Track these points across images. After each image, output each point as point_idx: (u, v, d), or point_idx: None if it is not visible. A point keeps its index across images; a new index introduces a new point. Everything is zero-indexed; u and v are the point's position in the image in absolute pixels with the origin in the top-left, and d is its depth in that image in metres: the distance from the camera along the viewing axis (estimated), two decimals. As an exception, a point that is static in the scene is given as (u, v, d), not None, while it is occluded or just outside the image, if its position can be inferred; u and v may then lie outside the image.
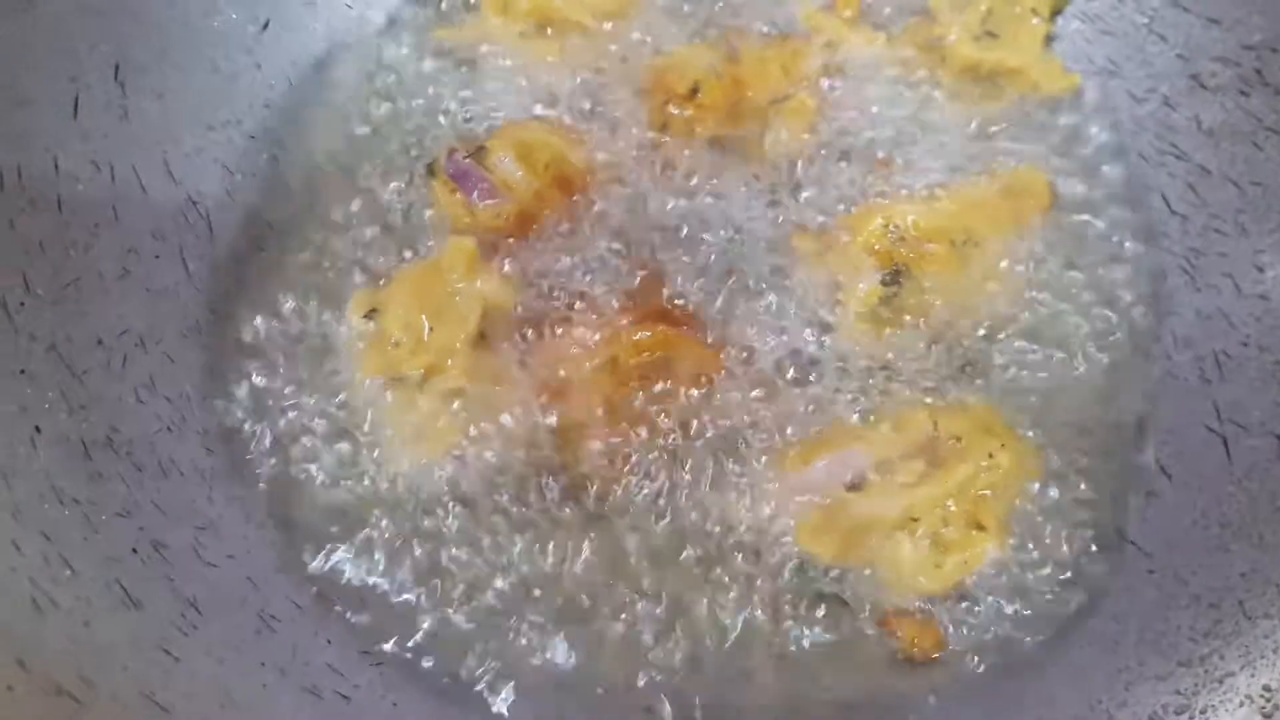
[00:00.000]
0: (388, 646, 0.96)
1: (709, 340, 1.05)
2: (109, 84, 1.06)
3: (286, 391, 1.05)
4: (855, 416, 1.02)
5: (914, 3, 1.23)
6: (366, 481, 1.01)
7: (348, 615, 0.97)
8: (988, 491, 0.97)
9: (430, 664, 0.96)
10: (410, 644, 0.96)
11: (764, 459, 1.00)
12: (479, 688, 0.95)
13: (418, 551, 0.99)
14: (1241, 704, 0.84)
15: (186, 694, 0.83)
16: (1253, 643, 0.86)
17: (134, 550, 0.90)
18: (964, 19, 1.18)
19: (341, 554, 0.99)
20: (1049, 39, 1.21)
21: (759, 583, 0.97)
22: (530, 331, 1.05)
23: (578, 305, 1.06)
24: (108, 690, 0.79)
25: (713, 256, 1.09)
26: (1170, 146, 1.13)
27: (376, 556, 0.99)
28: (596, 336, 1.04)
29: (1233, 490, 0.96)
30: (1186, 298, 1.08)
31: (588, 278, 1.08)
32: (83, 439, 0.93)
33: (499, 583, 0.97)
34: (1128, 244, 1.12)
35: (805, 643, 0.96)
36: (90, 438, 0.93)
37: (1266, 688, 0.84)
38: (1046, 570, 0.98)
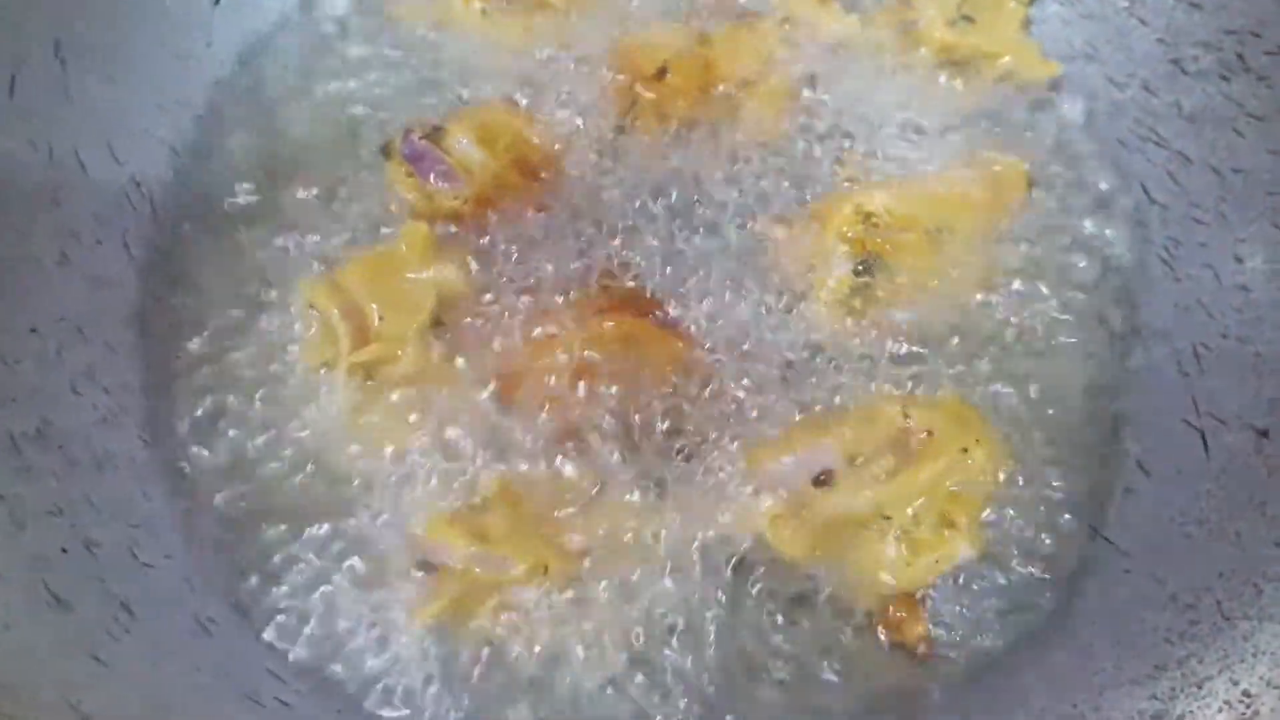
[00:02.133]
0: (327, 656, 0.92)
1: (674, 329, 1.01)
2: (49, 61, 1.02)
3: (231, 382, 1.01)
4: (825, 409, 0.98)
5: (887, -15, 1.19)
6: (311, 476, 0.97)
7: (288, 620, 0.93)
8: (960, 488, 0.93)
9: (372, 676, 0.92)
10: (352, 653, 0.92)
11: (731, 453, 0.96)
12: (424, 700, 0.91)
13: (369, 551, 0.94)
14: (1220, 709, 0.81)
15: (116, 700, 0.79)
16: (1231, 645, 0.84)
17: (64, 549, 0.86)
18: (940, 2, 1.15)
19: (283, 554, 0.95)
20: (1027, 22, 1.18)
21: (730, 583, 0.93)
22: (487, 320, 1.00)
23: (538, 293, 1.02)
24: (28, 696, 0.75)
25: (680, 243, 1.05)
26: (1150, 133, 1.10)
27: (319, 558, 0.94)
28: (557, 325, 1.00)
29: (1210, 487, 0.94)
30: (1165, 288, 1.06)
31: (549, 264, 1.04)
32: (11, 432, 0.88)
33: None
34: (1106, 233, 1.09)
35: (779, 641, 0.93)
36: (20, 430, 0.89)
37: (1246, 693, 0.81)
38: (1020, 569, 0.95)
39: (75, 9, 1.04)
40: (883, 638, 0.93)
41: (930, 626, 0.93)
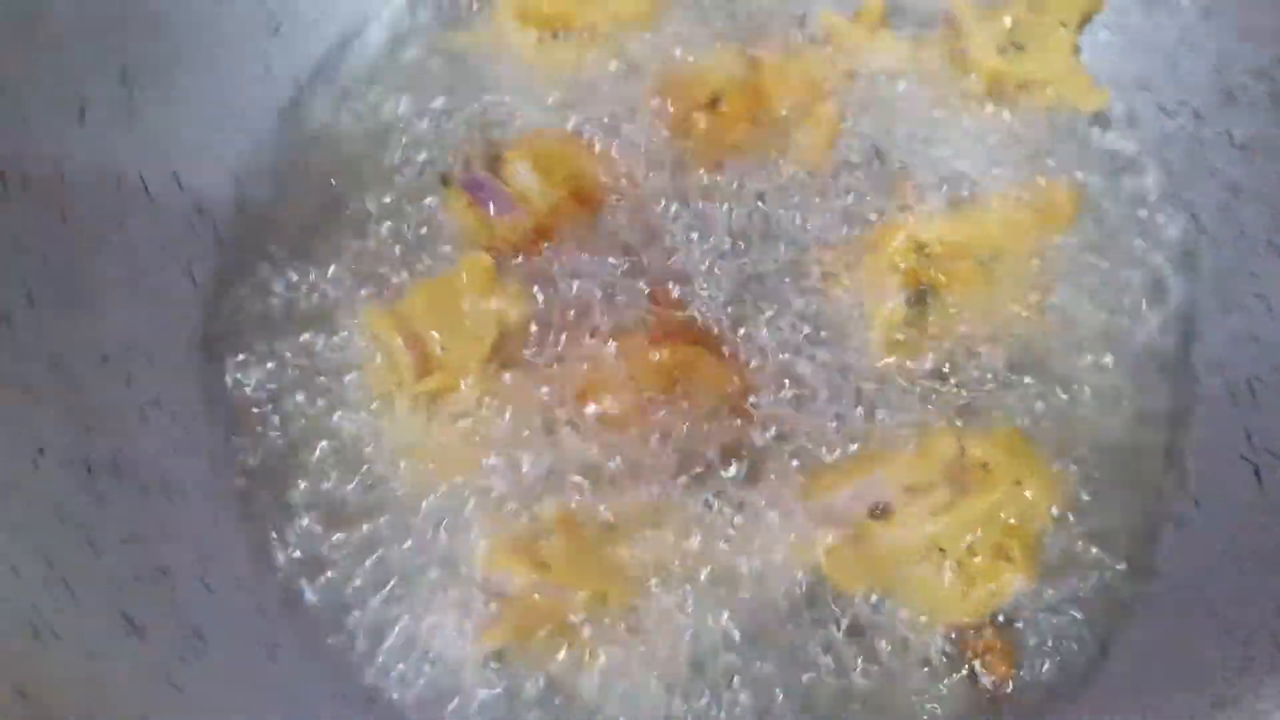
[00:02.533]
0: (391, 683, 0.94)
1: (729, 359, 1.02)
2: (116, 89, 1.03)
3: (294, 410, 1.02)
4: (880, 441, 0.99)
5: (939, 12, 1.19)
6: (374, 504, 0.98)
7: (353, 646, 0.95)
8: (1014, 520, 0.94)
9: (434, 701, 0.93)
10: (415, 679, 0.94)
11: (787, 484, 0.98)
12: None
13: (431, 578, 0.96)
14: (1280, 748, 0.82)
15: (192, 725, 0.81)
16: (1288, 680, 0.84)
17: (137, 577, 0.88)
18: (989, 30, 1.15)
19: (346, 581, 0.97)
20: (1077, 50, 1.18)
21: (786, 614, 0.94)
22: (546, 349, 1.02)
23: (596, 321, 1.03)
24: (111, 721, 0.77)
25: (733, 272, 1.06)
26: (1202, 162, 1.11)
27: (382, 585, 0.96)
28: (614, 354, 1.01)
29: (1265, 520, 0.94)
30: (1217, 319, 1.06)
31: (606, 293, 1.05)
32: (86, 459, 0.90)
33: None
34: (1156, 262, 1.09)
35: (835, 672, 0.93)
36: (94, 458, 0.91)
37: (1305, 731, 0.81)
38: (1073, 602, 0.96)
39: (141, 38, 1.05)
40: (963, 670, 0.94)
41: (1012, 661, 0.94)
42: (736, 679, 0.93)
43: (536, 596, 0.91)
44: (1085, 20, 1.19)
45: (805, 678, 0.93)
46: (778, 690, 0.93)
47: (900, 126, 1.13)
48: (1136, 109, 1.16)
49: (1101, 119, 1.16)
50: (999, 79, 1.15)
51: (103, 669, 0.81)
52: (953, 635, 0.94)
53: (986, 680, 0.93)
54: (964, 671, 0.93)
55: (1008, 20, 1.16)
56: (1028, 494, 0.95)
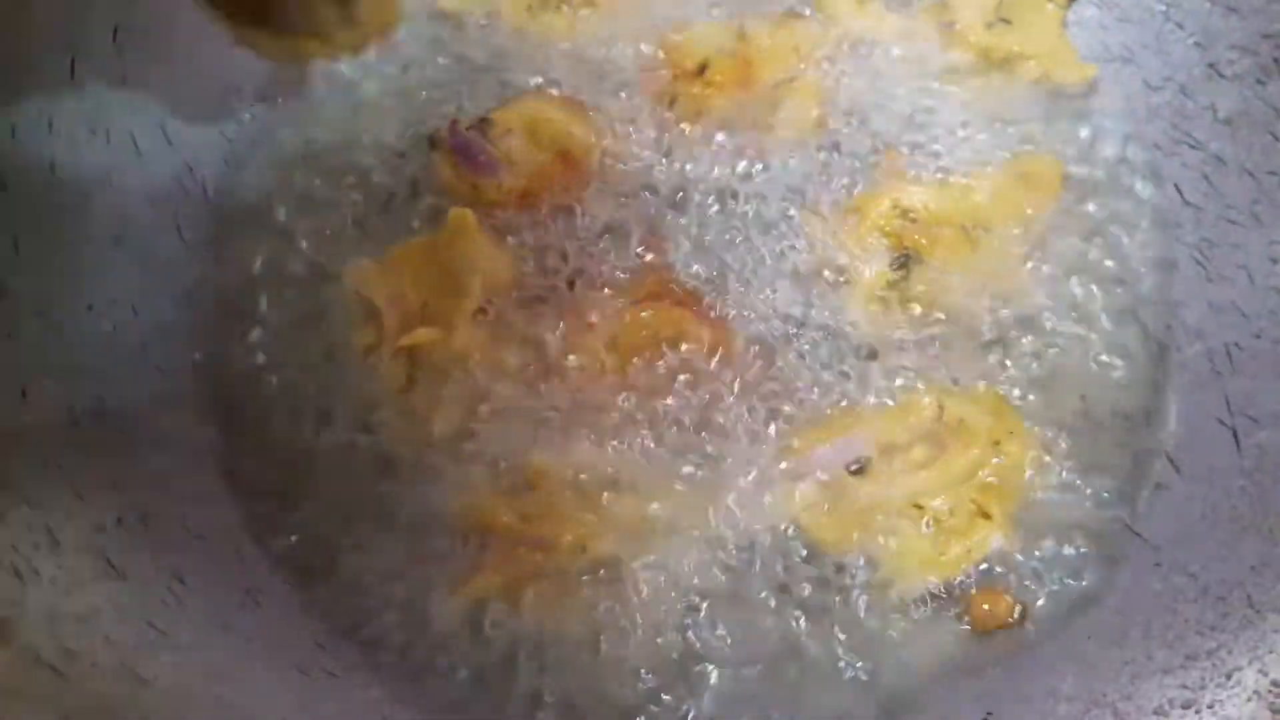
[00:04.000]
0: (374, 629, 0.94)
1: (712, 318, 1.02)
2: (108, 46, 1.04)
3: (282, 364, 1.03)
4: (860, 400, 1.00)
5: (927, -15, 1.21)
6: (358, 456, 0.99)
7: (335, 594, 0.95)
8: (993, 479, 0.95)
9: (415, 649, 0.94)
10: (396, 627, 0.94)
11: (768, 440, 0.98)
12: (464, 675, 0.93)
13: (413, 529, 0.96)
14: (1249, 699, 0.82)
15: (170, 667, 0.81)
16: (1261, 637, 0.84)
17: (119, 521, 0.88)
18: (977, 4, 1.16)
19: (329, 530, 0.97)
20: (1064, 25, 1.19)
21: (765, 567, 0.95)
22: (531, 306, 1.03)
23: (581, 281, 1.04)
24: (88, 661, 0.77)
25: (719, 236, 1.07)
26: (1185, 135, 1.11)
27: (364, 535, 0.97)
28: (599, 313, 1.02)
29: (1243, 483, 0.95)
30: (1199, 289, 1.07)
31: (592, 254, 1.06)
32: (71, 407, 0.91)
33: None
34: (1140, 233, 1.10)
35: (814, 624, 0.94)
36: (79, 406, 0.91)
37: (1276, 682, 0.82)
38: (1052, 561, 0.96)
39: (134, -3, 1.06)
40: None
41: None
42: (719, 630, 0.93)
43: (517, 547, 0.92)
44: (1073, -4, 1.20)
45: (788, 630, 0.93)
46: (760, 642, 0.93)
47: (887, 97, 1.14)
48: (1122, 82, 1.16)
49: (1087, 92, 1.17)
50: (986, 53, 1.16)
51: (83, 611, 0.81)
52: (929, 589, 0.94)
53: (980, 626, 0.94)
54: (945, 625, 0.94)
55: (997, -7, 1.17)
56: (1006, 454, 0.95)
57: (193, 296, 1.06)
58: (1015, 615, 0.93)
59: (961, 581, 0.95)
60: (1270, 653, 0.83)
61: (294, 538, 0.97)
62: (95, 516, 0.87)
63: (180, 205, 1.08)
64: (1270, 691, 0.82)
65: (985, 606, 0.93)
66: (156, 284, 1.04)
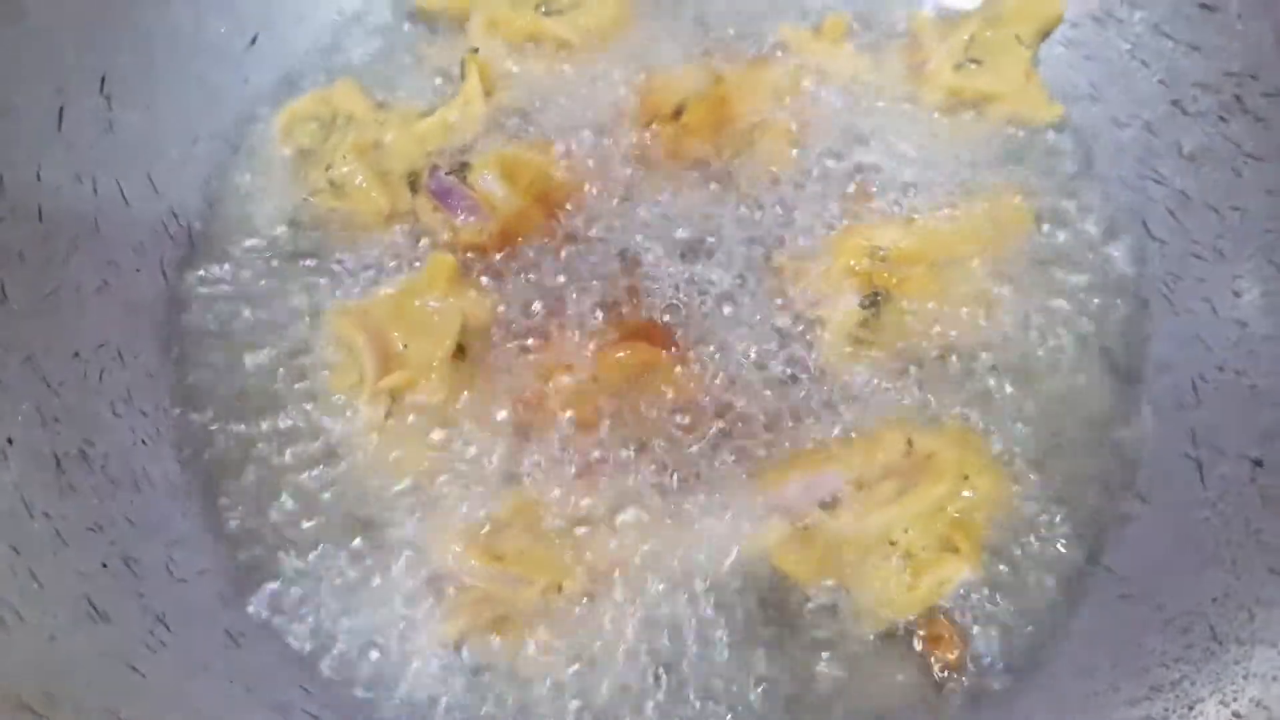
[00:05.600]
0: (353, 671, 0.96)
1: (686, 359, 1.04)
2: (94, 96, 1.07)
3: (262, 407, 1.05)
4: (832, 436, 1.02)
5: (899, 27, 1.24)
6: (337, 497, 1.01)
7: (315, 635, 0.97)
8: (962, 513, 0.96)
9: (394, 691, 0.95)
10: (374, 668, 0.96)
11: (741, 477, 1.00)
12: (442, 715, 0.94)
13: (390, 569, 0.98)
14: (1211, 730, 0.84)
15: (152, 710, 0.83)
16: (1223, 669, 0.86)
17: (104, 565, 0.90)
18: (947, 45, 1.19)
19: (310, 571, 0.99)
20: (1034, 64, 1.21)
21: (739, 603, 0.96)
22: (508, 348, 1.05)
23: (558, 323, 1.06)
24: (71, 705, 0.78)
25: (694, 276, 1.09)
26: (1151, 172, 1.14)
27: (343, 576, 0.98)
28: (575, 355, 1.04)
29: (1207, 515, 0.97)
30: (1165, 322, 1.09)
31: (569, 295, 1.08)
32: (55, 452, 0.93)
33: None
34: (1108, 269, 1.12)
35: (786, 660, 0.95)
36: (63, 450, 0.93)
37: (1236, 714, 0.83)
38: (1021, 593, 0.98)
39: (121, 47, 1.09)
40: (919, 650, 0.95)
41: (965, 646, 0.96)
42: (689, 668, 0.94)
43: (493, 587, 0.93)
44: (1043, 36, 1.22)
45: (758, 667, 0.95)
46: (730, 679, 0.95)
47: (859, 137, 1.17)
48: (1090, 120, 1.19)
49: (1056, 130, 1.19)
50: (956, 92, 1.18)
51: (66, 655, 0.83)
52: (902, 624, 0.95)
53: (937, 666, 0.95)
54: (915, 659, 0.95)
55: (966, 36, 1.20)
56: (975, 487, 0.97)
57: (177, 341, 1.08)
58: (958, 655, 0.94)
59: (926, 616, 0.96)
60: (1231, 684, 0.85)
61: (275, 581, 0.98)
62: (79, 561, 0.89)
63: (166, 251, 1.10)
64: (1231, 722, 0.83)
65: (933, 647, 0.95)
66: (142, 329, 1.06)
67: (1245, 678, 0.85)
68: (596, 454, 1.01)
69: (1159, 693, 0.87)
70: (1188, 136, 1.11)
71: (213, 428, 1.05)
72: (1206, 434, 1.01)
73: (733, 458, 1.01)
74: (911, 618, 0.96)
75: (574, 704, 0.93)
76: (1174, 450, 1.02)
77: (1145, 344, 1.09)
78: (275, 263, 1.12)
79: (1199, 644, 0.89)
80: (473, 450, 1.01)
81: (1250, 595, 0.89)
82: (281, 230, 1.13)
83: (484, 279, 1.07)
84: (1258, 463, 0.96)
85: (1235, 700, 0.84)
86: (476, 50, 1.18)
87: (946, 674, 0.95)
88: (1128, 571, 0.98)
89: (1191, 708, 0.86)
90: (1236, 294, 1.04)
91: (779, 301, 1.08)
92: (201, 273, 1.11)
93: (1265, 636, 0.86)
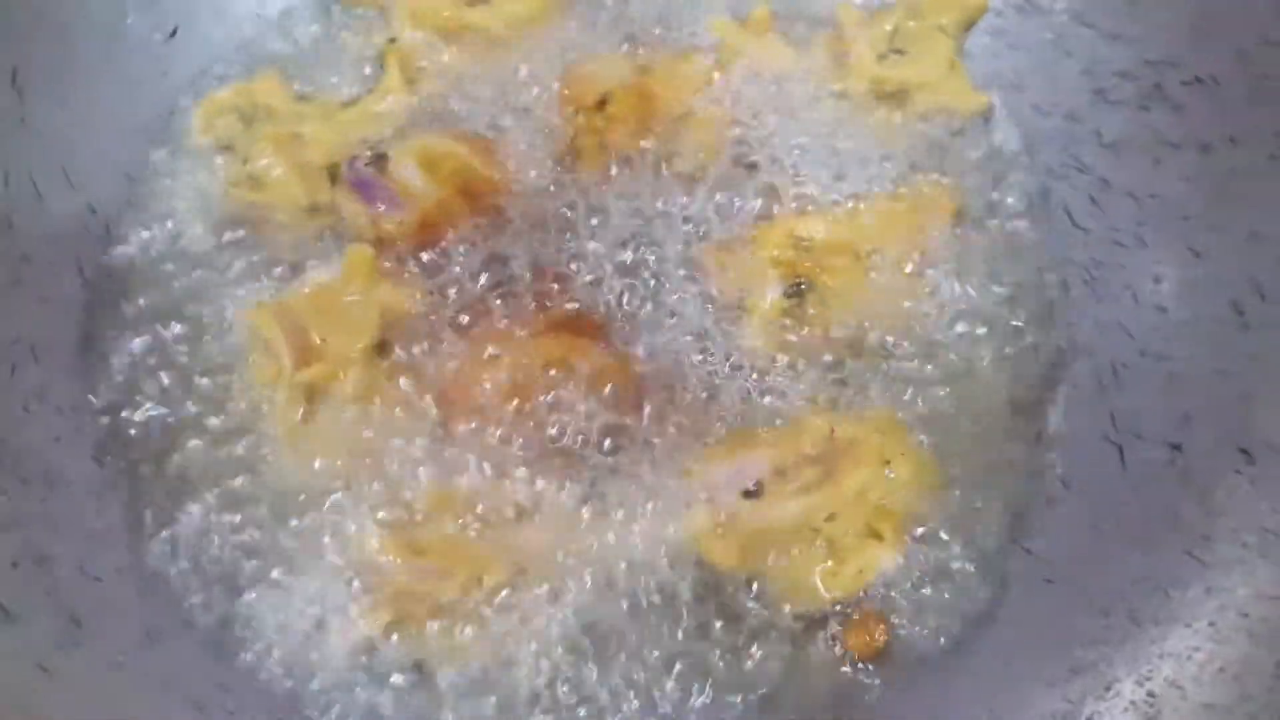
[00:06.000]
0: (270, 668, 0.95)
1: (611, 348, 1.04)
2: (6, 89, 1.05)
3: (179, 403, 1.04)
4: (755, 424, 1.02)
5: (825, 17, 1.23)
6: (257, 493, 1.00)
7: (231, 632, 0.95)
8: (885, 500, 0.97)
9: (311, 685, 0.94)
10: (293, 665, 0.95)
11: (665, 466, 1.00)
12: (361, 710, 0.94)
13: (310, 564, 0.97)
14: (1126, 710, 0.85)
15: (65, 709, 0.82)
16: (1139, 649, 0.88)
17: (14, 564, 0.88)
18: (870, 35, 1.19)
19: (228, 567, 0.98)
20: (958, 53, 1.22)
21: (663, 592, 0.96)
22: (431, 340, 1.04)
23: (481, 314, 1.05)
24: (-24, 702, 0.78)
25: (618, 266, 1.09)
26: (1073, 159, 1.15)
27: (262, 572, 0.97)
28: (498, 345, 1.03)
29: (1126, 498, 0.98)
30: (1087, 308, 1.10)
31: (492, 287, 1.07)
32: (-34, 449, 0.91)
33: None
34: (1030, 255, 1.13)
35: (712, 649, 0.95)
36: (-27, 448, 0.92)
37: (1150, 694, 0.85)
38: (944, 578, 0.98)
39: (33, 39, 1.07)
40: (839, 645, 0.96)
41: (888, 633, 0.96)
42: (616, 659, 0.94)
43: (414, 581, 0.93)
44: (967, 26, 1.23)
45: (682, 656, 0.95)
46: (655, 669, 0.95)
47: (784, 128, 1.16)
48: (1013, 109, 1.20)
49: (980, 119, 1.19)
50: (880, 83, 1.18)
51: (-27, 652, 0.82)
52: (827, 611, 0.96)
53: (860, 653, 0.95)
54: (835, 646, 0.95)
55: (888, 26, 1.20)
56: (897, 473, 0.97)
57: (93, 337, 1.06)
58: (880, 639, 0.95)
59: (852, 602, 0.96)
60: (1147, 664, 0.87)
61: (193, 578, 0.97)
62: (-11, 560, 0.87)
63: (81, 246, 1.09)
64: (1145, 701, 0.85)
65: (855, 632, 0.95)
66: (57, 325, 1.04)
67: (1160, 657, 0.87)
68: (519, 445, 1.00)
69: (1077, 674, 0.89)
70: (1109, 125, 1.13)
71: (130, 424, 1.03)
72: (1127, 419, 1.02)
73: (657, 447, 1.01)
74: (836, 606, 0.96)
75: (494, 698, 0.93)
76: (1095, 435, 1.03)
77: (1067, 330, 1.09)
78: (195, 256, 1.10)
79: (1118, 625, 0.90)
80: (394, 443, 1.00)
81: (1167, 576, 0.91)
82: (201, 223, 1.11)
83: (404, 271, 1.06)
84: (1176, 447, 0.97)
85: (1150, 680, 0.86)
86: (394, 40, 1.17)
87: (869, 662, 0.95)
88: (1050, 555, 0.99)
89: (1108, 688, 0.87)
90: (1157, 280, 1.05)
91: (704, 291, 1.08)
92: (120, 266, 1.09)
93: (1181, 616, 0.88)
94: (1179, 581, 0.90)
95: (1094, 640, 0.90)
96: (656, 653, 0.95)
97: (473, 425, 1.00)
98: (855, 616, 0.95)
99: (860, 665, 0.95)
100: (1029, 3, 1.20)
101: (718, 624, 0.96)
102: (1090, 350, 1.07)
